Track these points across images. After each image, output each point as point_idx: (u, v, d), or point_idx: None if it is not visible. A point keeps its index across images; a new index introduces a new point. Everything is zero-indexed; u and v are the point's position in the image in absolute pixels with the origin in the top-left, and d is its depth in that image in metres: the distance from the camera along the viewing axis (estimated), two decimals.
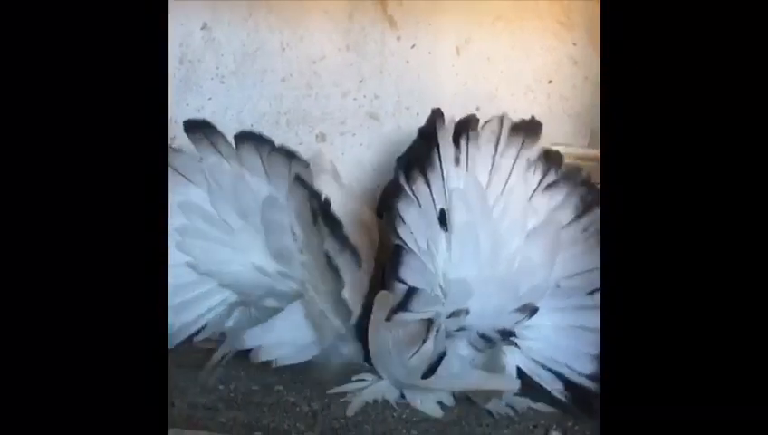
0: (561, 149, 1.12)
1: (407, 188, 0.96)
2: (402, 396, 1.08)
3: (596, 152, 1.19)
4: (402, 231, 0.95)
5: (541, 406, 1.06)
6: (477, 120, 1.04)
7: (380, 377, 1.09)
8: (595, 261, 0.99)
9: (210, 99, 1.37)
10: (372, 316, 1.05)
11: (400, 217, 0.95)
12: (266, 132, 1.37)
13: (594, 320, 1.01)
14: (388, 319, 0.94)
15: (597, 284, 1.00)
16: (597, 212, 1.06)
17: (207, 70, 1.36)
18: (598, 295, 1.01)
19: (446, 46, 1.32)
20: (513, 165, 1.05)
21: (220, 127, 1.35)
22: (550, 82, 1.33)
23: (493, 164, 1.04)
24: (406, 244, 0.95)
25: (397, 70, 1.34)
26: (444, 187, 0.99)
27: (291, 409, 1.05)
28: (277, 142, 1.36)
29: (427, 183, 0.98)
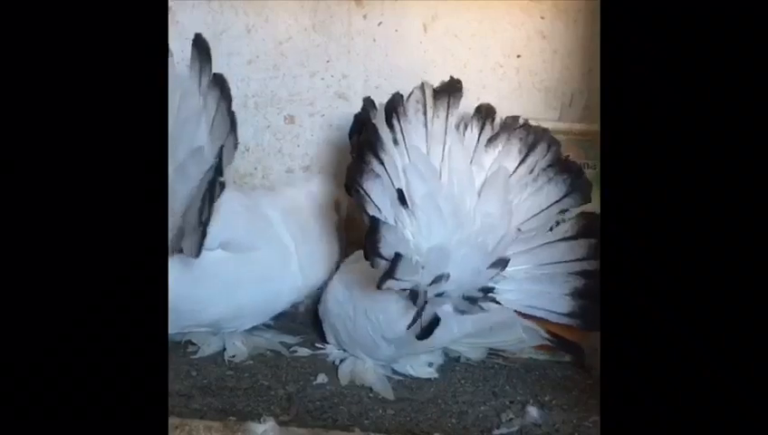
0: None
1: (366, 167, 0.99)
2: (394, 371, 1.11)
3: (566, 126, 1.19)
4: (370, 208, 0.98)
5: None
6: (401, 96, 1.04)
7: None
8: (548, 198, 1.06)
9: None
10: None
11: (367, 194, 0.98)
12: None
13: (559, 253, 1.06)
14: (379, 287, 0.96)
15: (554, 220, 1.07)
16: (540, 149, 1.08)
17: (172, 54, 1.33)
18: (558, 229, 1.07)
19: (413, 23, 1.31)
20: (446, 127, 1.06)
21: None
22: (518, 56, 1.32)
23: (426, 132, 1.05)
24: (379, 217, 0.98)
25: (364, 49, 1.33)
26: (396, 166, 1.02)
27: (266, 392, 1.05)
28: (246, 126, 1.36)
29: (382, 163, 1.01)
